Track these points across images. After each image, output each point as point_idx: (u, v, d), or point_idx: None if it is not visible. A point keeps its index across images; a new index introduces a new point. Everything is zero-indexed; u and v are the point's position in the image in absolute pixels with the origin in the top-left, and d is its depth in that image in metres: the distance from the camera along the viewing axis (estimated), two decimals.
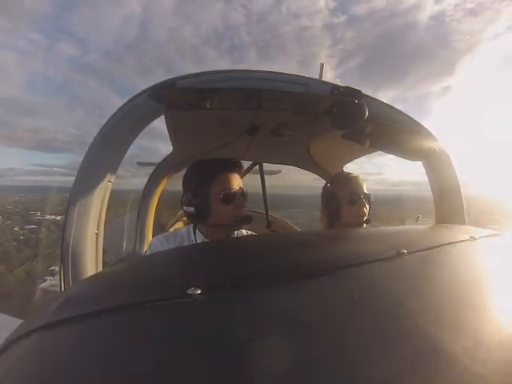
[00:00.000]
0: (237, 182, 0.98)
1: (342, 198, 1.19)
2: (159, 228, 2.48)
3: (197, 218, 0.98)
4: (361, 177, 1.24)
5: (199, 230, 1.03)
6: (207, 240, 1.02)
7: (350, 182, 1.22)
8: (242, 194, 0.98)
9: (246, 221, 0.98)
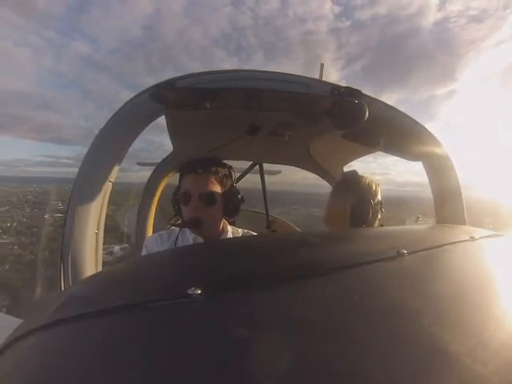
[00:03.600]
0: (197, 184, 0.96)
1: (378, 204, 1.16)
2: (165, 219, 2.48)
3: (177, 215, 1.05)
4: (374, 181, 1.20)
5: (192, 232, 1.04)
6: (197, 237, 1.03)
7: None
8: (203, 195, 0.96)
9: (187, 224, 0.97)
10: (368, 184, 1.19)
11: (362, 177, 1.21)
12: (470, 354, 0.26)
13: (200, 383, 0.23)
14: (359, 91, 1.00)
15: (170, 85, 0.92)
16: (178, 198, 1.02)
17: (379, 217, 1.17)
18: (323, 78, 1.12)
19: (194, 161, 1.02)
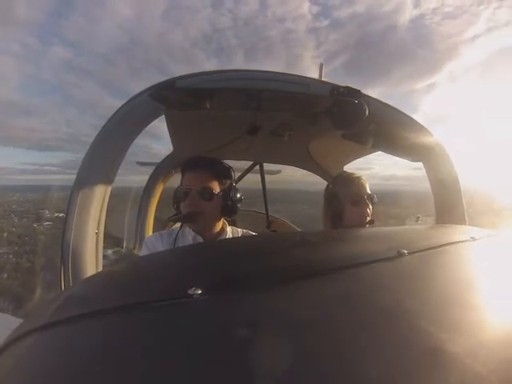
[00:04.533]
0: (196, 180, 1.00)
1: (345, 198, 1.17)
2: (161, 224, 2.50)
3: (177, 213, 1.05)
4: (363, 177, 1.21)
5: (190, 227, 1.05)
6: (197, 236, 1.04)
7: (353, 182, 1.19)
8: (201, 191, 0.99)
9: (185, 217, 0.99)
10: (340, 178, 1.26)
11: (352, 174, 1.25)
12: (471, 353, 0.26)
13: (200, 383, 0.22)
14: (359, 91, 1.00)
15: (169, 85, 0.92)
16: (177, 196, 1.04)
17: (368, 211, 1.17)
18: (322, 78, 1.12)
19: (193, 158, 1.05)
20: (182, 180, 1.04)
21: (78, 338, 0.31)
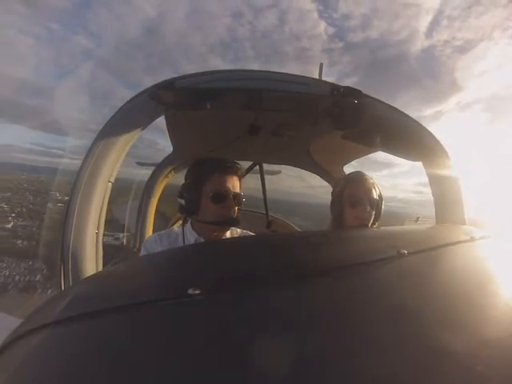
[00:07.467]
0: (231, 184, 0.98)
1: (345, 199, 1.14)
2: (163, 221, 2.52)
3: (186, 211, 1.00)
4: (371, 179, 1.14)
5: (192, 227, 1.04)
6: (200, 238, 1.02)
7: (354, 182, 1.14)
8: (236, 196, 0.98)
9: (230, 222, 0.98)
10: (345, 177, 1.22)
11: (356, 175, 1.21)
12: (471, 353, 0.26)
13: (200, 383, 0.22)
14: (359, 91, 1.00)
15: (169, 85, 0.92)
16: (200, 193, 0.97)
17: (367, 215, 1.11)
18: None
19: (225, 161, 1.00)
20: (203, 178, 0.97)
21: (77, 338, 0.31)
